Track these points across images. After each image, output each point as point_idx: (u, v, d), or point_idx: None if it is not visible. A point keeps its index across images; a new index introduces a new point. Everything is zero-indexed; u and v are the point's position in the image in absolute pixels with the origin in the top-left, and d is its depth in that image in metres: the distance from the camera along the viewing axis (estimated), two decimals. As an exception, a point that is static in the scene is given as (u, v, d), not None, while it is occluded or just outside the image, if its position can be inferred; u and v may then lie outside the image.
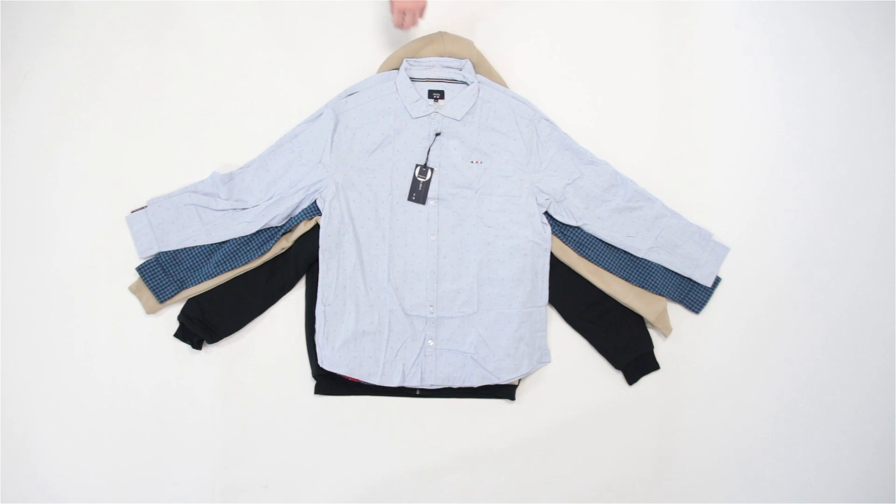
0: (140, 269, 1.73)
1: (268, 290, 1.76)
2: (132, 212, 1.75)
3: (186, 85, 1.85)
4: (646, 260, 1.77)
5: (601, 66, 1.90)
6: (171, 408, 1.74)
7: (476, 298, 1.70)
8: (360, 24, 1.89)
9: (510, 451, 1.76)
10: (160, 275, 1.73)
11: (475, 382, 1.69)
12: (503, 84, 1.82)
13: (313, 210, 1.75)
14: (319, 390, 1.75)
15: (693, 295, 1.79)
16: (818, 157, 1.88)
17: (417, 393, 1.75)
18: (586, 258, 1.77)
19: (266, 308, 1.77)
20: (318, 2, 1.89)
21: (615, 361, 1.77)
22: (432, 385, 1.70)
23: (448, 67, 1.78)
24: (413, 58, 1.79)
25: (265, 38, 1.88)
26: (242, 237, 1.73)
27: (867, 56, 1.91)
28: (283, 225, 1.74)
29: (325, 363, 1.68)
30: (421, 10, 1.67)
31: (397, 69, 1.79)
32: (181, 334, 1.74)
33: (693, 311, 1.80)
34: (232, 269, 1.73)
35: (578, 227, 1.77)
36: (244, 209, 1.73)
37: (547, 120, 1.79)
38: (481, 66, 1.81)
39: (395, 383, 1.68)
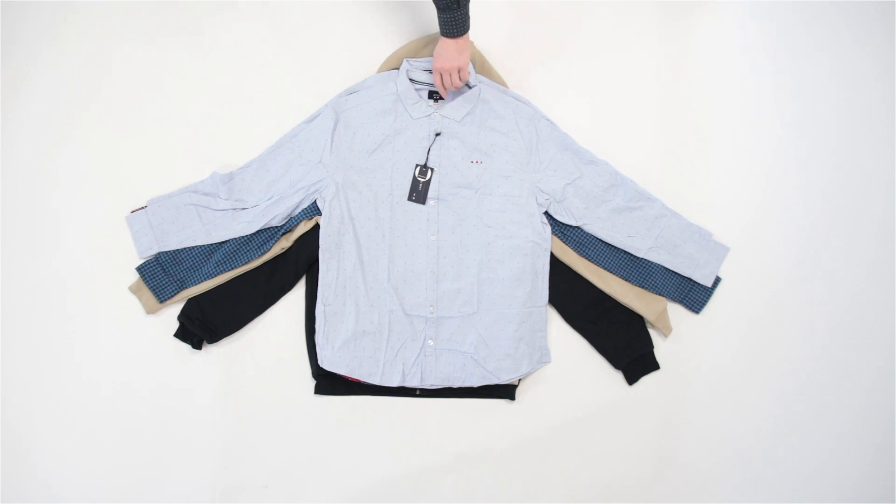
0: (140, 269, 1.73)
1: (268, 290, 1.76)
2: (132, 212, 1.75)
3: (186, 85, 1.85)
4: (646, 260, 1.77)
5: (601, 66, 1.90)
6: (172, 408, 1.74)
7: (476, 298, 1.70)
8: (360, 25, 1.88)
9: (510, 451, 1.76)
10: (160, 275, 1.73)
11: (475, 382, 1.69)
12: (503, 84, 1.82)
13: (313, 210, 1.75)
14: (319, 390, 1.75)
15: (693, 295, 1.79)
16: (818, 157, 1.88)
17: (417, 393, 1.75)
18: (586, 258, 1.77)
19: (266, 308, 1.77)
20: (318, 2, 1.89)
21: (615, 361, 1.77)
22: (432, 385, 1.70)
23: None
24: (413, 58, 1.79)
25: (265, 38, 1.88)
26: (242, 237, 1.73)
27: (867, 56, 1.91)
28: (283, 225, 1.74)
29: (326, 363, 1.68)
30: (458, 71, 1.65)
31: (397, 69, 1.79)
32: (181, 334, 1.74)
33: (693, 311, 1.80)
34: (232, 269, 1.73)
35: (578, 227, 1.77)
36: (244, 209, 1.73)
37: (547, 120, 1.79)
38: (481, 66, 1.81)
39: (395, 383, 1.68)
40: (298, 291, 1.79)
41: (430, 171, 1.70)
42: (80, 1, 1.87)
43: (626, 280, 1.77)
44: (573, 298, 1.78)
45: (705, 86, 1.90)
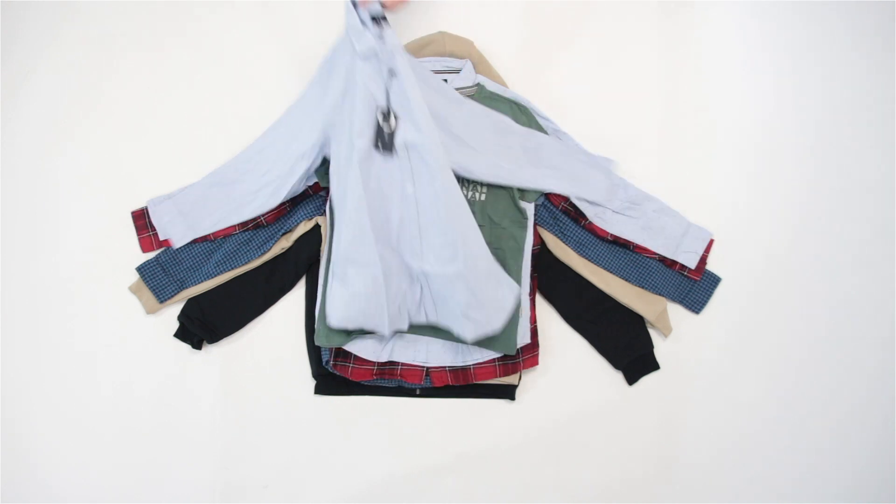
0: (140, 269, 1.73)
1: (268, 290, 1.76)
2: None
3: (187, 85, 1.86)
4: (646, 260, 1.77)
5: (601, 65, 1.90)
6: (171, 408, 1.74)
7: (461, 255, 1.60)
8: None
9: (510, 451, 1.76)
10: (160, 275, 1.73)
11: (468, 336, 1.64)
12: (503, 84, 1.82)
13: (313, 210, 1.76)
14: (319, 390, 1.75)
15: (693, 295, 1.79)
16: (819, 157, 1.88)
17: (417, 393, 1.75)
18: (586, 258, 1.77)
19: (266, 308, 1.77)
20: (318, 2, 1.89)
21: (615, 361, 1.77)
22: (436, 322, 1.67)
23: (448, 67, 1.78)
24: (413, 58, 1.79)
25: (265, 38, 1.88)
26: (242, 237, 1.73)
27: (867, 56, 1.91)
28: (284, 225, 1.74)
29: (334, 321, 1.63)
30: None
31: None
32: (181, 334, 1.74)
33: (693, 311, 1.80)
34: (232, 268, 1.73)
35: (578, 227, 1.77)
36: (266, 179, 1.73)
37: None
38: (481, 66, 1.81)
39: (404, 327, 1.66)
40: (298, 291, 1.79)
41: (393, 118, 1.58)
42: (80, 1, 1.87)
43: (626, 280, 1.77)
44: (573, 298, 1.78)
45: (706, 86, 1.90)
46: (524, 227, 1.74)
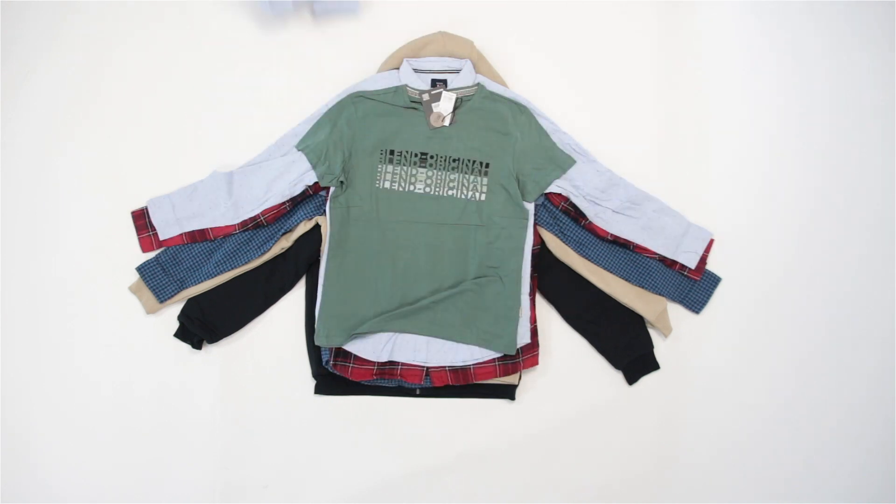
0: (140, 269, 1.73)
1: (268, 290, 1.76)
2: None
3: (187, 85, 1.86)
4: (646, 260, 1.77)
5: (601, 65, 1.90)
6: (171, 408, 1.74)
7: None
8: (360, 25, 1.89)
9: (510, 451, 1.76)
10: (160, 275, 1.73)
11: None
12: (503, 84, 1.82)
13: (313, 210, 1.76)
14: (319, 390, 1.75)
15: (693, 295, 1.79)
16: (819, 158, 1.88)
17: (417, 393, 1.75)
18: (586, 258, 1.77)
19: (266, 308, 1.77)
20: (318, 2, 1.89)
21: (615, 361, 1.77)
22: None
23: (448, 67, 1.78)
24: (413, 58, 1.79)
25: (265, 38, 1.88)
26: (242, 237, 1.73)
27: (867, 56, 1.91)
28: (284, 225, 1.74)
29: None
30: None
31: (397, 69, 1.79)
32: (181, 334, 1.74)
33: (693, 311, 1.80)
34: (232, 268, 1.73)
35: (578, 227, 1.77)
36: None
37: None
38: (481, 66, 1.81)
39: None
40: (298, 291, 1.79)
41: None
42: (80, 1, 1.87)
43: (626, 280, 1.77)
44: (573, 298, 1.78)
45: (705, 85, 1.90)
46: (524, 227, 1.74)
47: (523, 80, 1.86)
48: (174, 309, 1.76)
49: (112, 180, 1.81)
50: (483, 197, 1.74)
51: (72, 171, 1.81)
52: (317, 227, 1.76)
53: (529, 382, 1.78)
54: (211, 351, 1.76)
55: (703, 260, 1.78)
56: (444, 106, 1.75)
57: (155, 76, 1.86)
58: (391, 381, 1.73)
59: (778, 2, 1.93)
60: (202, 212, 1.74)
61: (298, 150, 1.75)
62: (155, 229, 1.75)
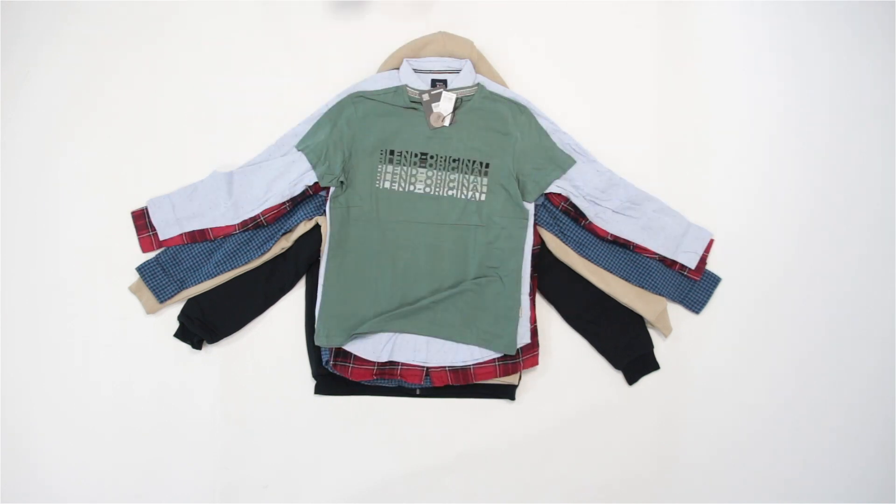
0: (140, 269, 1.73)
1: (268, 290, 1.76)
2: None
3: (187, 85, 1.86)
4: (646, 260, 1.77)
5: (601, 65, 1.90)
6: (172, 408, 1.74)
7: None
8: (360, 24, 1.89)
9: (510, 451, 1.76)
10: (160, 275, 1.73)
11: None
12: (503, 84, 1.82)
13: (313, 210, 1.76)
14: (319, 390, 1.75)
15: (693, 295, 1.79)
16: (819, 158, 1.88)
17: (417, 393, 1.75)
18: (586, 258, 1.77)
19: (266, 308, 1.77)
20: (318, 2, 1.89)
21: (615, 361, 1.77)
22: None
23: (448, 67, 1.78)
24: (413, 58, 1.79)
25: (265, 38, 1.88)
26: (242, 237, 1.73)
27: (867, 56, 1.91)
28: (284, 225, 1.74)
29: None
30: None
31: (397, 69, 1.79)
32: (181, 334, 1.74)
33: (693, 311, 1.80)
34: (232, 269, 1.73)
35: (578, 227, 1.77)
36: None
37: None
38: (481, 66, 1.81)
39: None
40: (298, 291, 1.79)
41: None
42: (80, 1, 1.87)
43: (626, 280, 1.77)
44: (573, 298, 1.78)
45: (705, 86, 1.90)
46: (524, 227, 1.74)
47: (523, 80, 1.86)
48: (174, 309, 1.76)
49: (112, 180, 1.81)
50: (483, 197, 1.74)
51: (72, 171, 1.81)
52: (317, 227, 1.76)
53: (529, 382, 1.78)
54: (211, 351, 1.76)
55: (703, 260, 1.78)
56: (444, 106, 1.75)
57: (155, 76, 1.86)
58: (391, 381, 1.73)
59: (778, 2, 1.93)
60: (202, 212, 1.74)
61: (298, 150, 1.75)
62: (155, 229, 1.75)
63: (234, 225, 1.74)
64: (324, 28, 1.88)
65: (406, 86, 1.77)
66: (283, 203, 1.74)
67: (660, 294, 1.77)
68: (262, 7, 1.89)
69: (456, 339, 1.71)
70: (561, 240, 1.77)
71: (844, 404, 1.79)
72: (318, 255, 1.76)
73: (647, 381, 1.79)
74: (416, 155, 1.75)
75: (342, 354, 1.71)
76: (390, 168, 1.75)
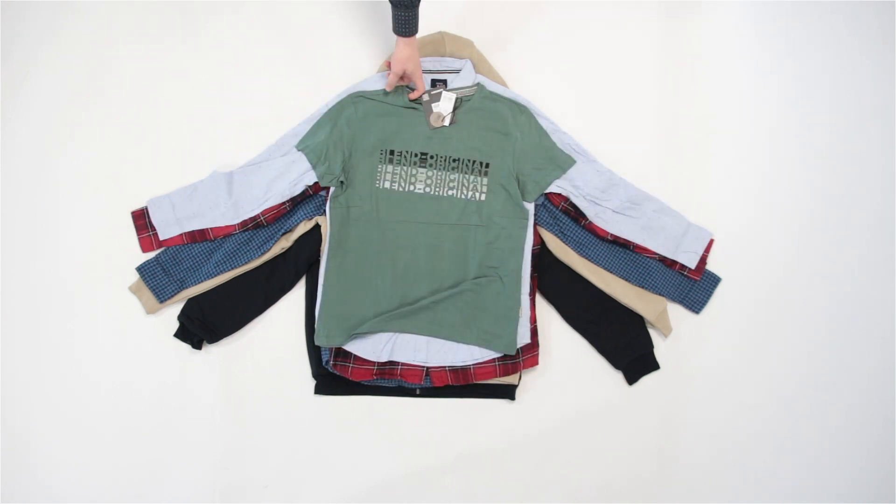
0: (140, 269, 1.73)
1: (268, 290, 1.76)
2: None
3: (187, 85, 1.86)
4: (646, 260, 1.77)
5: (601, 65, 1.90)
6: (172, 408, 1.74)
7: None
8: (360, 25, 1.89)
9: (510, 451, 1.76)
10: (160, 275, 1.73)
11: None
12: (503, 84, 1.82)
13: (313, 210, 1.76)
14: (319, 390, 1.75)
15: (693, 295, 1.79)
16: (819, 158, 1.88)
17: (417, 393, 1.75)
18: (586, 258, 1.77)
19: (266, 308, 1.77)
20: (318, 2, 1.89)
21: (615, 361, 1.77)
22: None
23: (448, 67, 1.78)
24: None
25: (265, 38, 1.88)
26: (242, 237, 1.73)
27: (867, 56, 1.91)
28: (284, 225, 1.74)
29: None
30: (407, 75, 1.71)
31: (397, 69, 1.80)
32: (181, 334, 1.74)
33: (693, 311, 1.80)
34: (232, 268, 1.73)
35: (578, 227, 1.77)
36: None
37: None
38: (481, 66, 1.81)
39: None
40: (298, 291, 1.79)
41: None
42: (80, 1, 1.87)
43: (626, 280, 1.77)
44: (573, 298, 1.78)
45: (705, 86, 1.90)
46: (524, 227, 1.74)
47: (523, 80, 1.86)
48: (174, 309, 1.76)
49: (112, 180, 1.81)
50: (483, 197, 1.74)
51: (72, 171, 1.81)
52: (317, 227, 1.76)
53: (529, 382, 1.78)
54: (211, 351, 1.76)
55: (703, 260, 1.78)
56: (444, 106, 1.76)
57: (155, 76, 1.86)
58: (391, 381, 1.73)
59: (778, 3, 1.93)
60: (202, 212, 1.74)
61: (298, 150, 1.75)
62: (155, 229, 1.75)
63: (234, 225, 1.74)
64: (324, 28, 1.88)
65: (406, 86, 1.77)
66: (283, 203, 1.74)
67: (660, 294, 1.77)
68: (263, 7, 1.89)
69: (456, 339, 1.71)
70: (561, 240, 1.77)
71: (844, 404, 1.79)
72: (318, 255, 1.76)
73: (647, 381, 1.79)
74: (416, 155, 1.75)
75: (342, 354, 1.71)
76: (390, 168, 1.75)
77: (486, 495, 1.74)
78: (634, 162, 1.83)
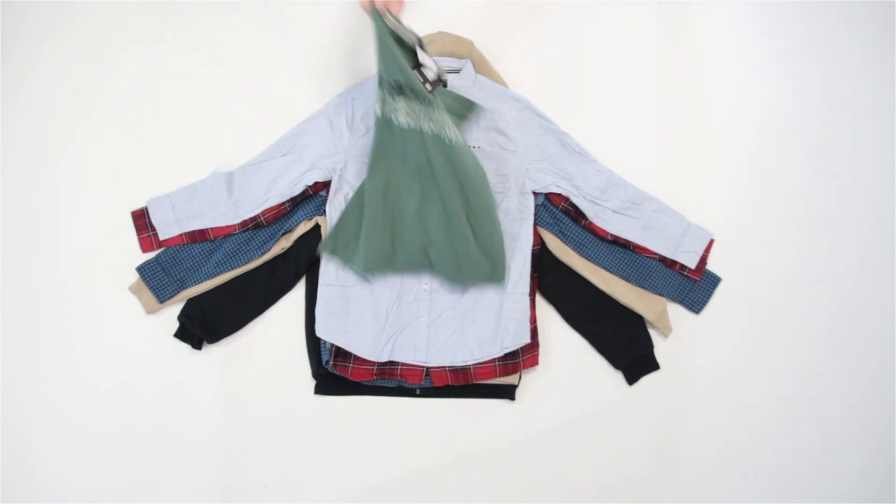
0: (140, 269, 1.74)
1: (268, 290, 1.76)
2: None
3: (187, 85, 1.86)
4: (646, 260, 1.77)
5: (601, 65, 1.90)
6: (171, 408, 1.74)
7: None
8: (359, 25, 1.88)
9: (510, 451, 1.76)
10: (160, 275, 1.73)
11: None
12: (503, 84, 1.82)
13: (313, 210, 1.76)
14: (319, 390, 1.75)
15: (693, 295, 1.79)
16: (819, 158, 1.88)
17: (417, 393, 1.75)
18: (586, 258, 1.77)
19: (266, 308, 1.77)
20: (318, 2, 1.89)
21: (615, 361, 1.77)
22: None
23: (448, 67, 1.78)
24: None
25: (265, 38, 1.88)
26: (242, 237, 1.73)
27: (867, 56, 1.91)
28: (284, 225, 1.74)
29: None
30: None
31: (397, 69, 1.79)
32: (181, 334, 1.74)
33: (693, 311, 1.80)
34: (232, 268, 1.73)
35: (578, 227, 1.77)
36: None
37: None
38: (481, 66, 1.81)
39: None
40: (298, 291, 1.79)
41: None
42: (80, 1, 1.87)
43: (626, 280, 1.77)
44: (573, 298, 1.78)
45: (705, 86, 1.90)
46: (524, 227, 1.74)
47: (523, 81, 1.86)
48: (174, 309, 1.76)
49: (112, 180, 1.81)
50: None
51: (72, 171, 1.81)
52: (317, 227, 1.76)
53: (529, 382, 1.78)
54: (211, 351, 1.76)
55: (703, 260, 1.78)
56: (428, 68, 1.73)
57: (155, 76, 1.86)
58: (391, 381, 1.73)
59: (777, 2, 1.93)
60: (202, 212, 1.74)
61: (298, 150, 1.75)
62: (155, 229, 1.75)
63: (234, 225, 1.74)
64: (324, 28, 1.88)
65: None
66: (283, 203, 1.74)
67: (660, 294, 1.77)
68: (263, 7, 1.89)
69: (452, 280, 1.69)
70: (561, 240, 1.77)
71: (844, 404, 1.79)
72: (318, 255, 1.76)
73: (647, 381, 1.79)
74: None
75: (342, 354, 1.71)
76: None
77: (486, 495, 1.74)
78: (634, 162, 1.83)
